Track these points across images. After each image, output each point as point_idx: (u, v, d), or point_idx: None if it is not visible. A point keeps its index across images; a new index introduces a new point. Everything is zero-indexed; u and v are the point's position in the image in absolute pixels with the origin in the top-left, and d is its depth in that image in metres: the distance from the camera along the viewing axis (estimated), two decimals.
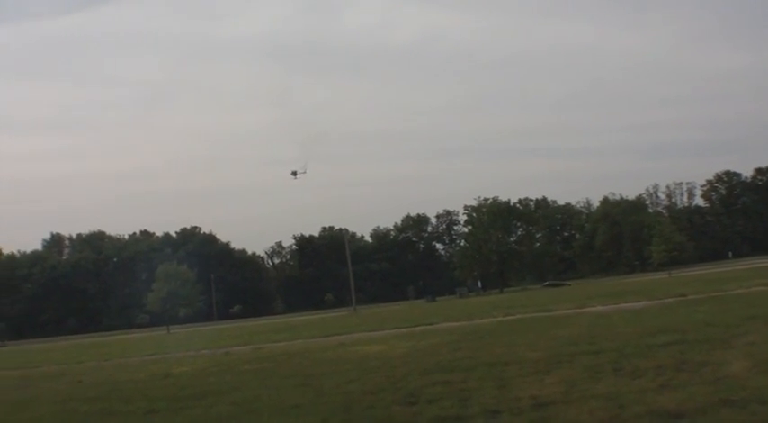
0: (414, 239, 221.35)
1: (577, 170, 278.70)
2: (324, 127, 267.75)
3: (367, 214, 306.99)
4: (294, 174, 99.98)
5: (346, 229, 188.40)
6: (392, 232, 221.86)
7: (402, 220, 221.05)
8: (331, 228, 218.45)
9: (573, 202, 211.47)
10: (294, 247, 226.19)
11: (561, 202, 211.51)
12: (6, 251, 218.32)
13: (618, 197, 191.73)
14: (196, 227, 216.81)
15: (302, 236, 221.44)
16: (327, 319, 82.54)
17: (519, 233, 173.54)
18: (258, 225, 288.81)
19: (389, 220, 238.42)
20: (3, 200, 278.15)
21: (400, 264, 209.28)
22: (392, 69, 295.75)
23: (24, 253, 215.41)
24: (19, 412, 20.68)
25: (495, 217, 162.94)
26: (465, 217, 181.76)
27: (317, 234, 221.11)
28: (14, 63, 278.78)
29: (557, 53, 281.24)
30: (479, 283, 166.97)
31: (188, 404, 18.50)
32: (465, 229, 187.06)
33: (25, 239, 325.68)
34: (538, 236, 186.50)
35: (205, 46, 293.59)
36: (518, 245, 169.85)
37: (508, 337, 28.26)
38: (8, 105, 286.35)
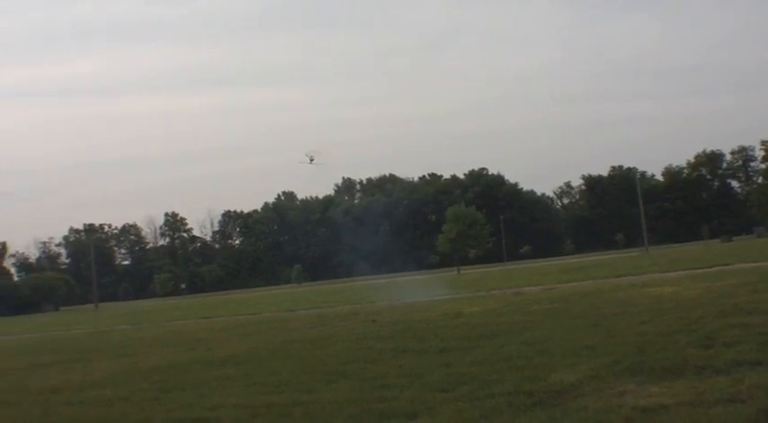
0: (708, 177, 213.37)
1: None
2: (609, 64, 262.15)
3: (657, 152, 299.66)
4: (311, 160, 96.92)
5: (636, 168, 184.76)
6: (684, 170, 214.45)
7: (695, 157, 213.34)
8: (620, 167, 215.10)
9: None
10: (583, 186, 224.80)
11: None
12: (300, 196, 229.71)
13: None
14: (483, 168, 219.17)
15: (591, 175, 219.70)
16: (618, 260, 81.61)
17: None
18: (546, 165, 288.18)
19: (681, 157, 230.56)
20: (300, 145, 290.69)
21: (693, 203, 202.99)
22: (685, 1, 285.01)
23: (317, 198, 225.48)
24: (317, 349, 21.68)
25: None
26: (762, 153, 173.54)
27: (605, 173, 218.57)
28: (298, 15, 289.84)
29: None
30: None
31: (479, 343, 18.79)
32: (762, 166, 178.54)
33: (317, 185, 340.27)
34: None
35: None
36: None
37: None
38: (305, 55, 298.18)
